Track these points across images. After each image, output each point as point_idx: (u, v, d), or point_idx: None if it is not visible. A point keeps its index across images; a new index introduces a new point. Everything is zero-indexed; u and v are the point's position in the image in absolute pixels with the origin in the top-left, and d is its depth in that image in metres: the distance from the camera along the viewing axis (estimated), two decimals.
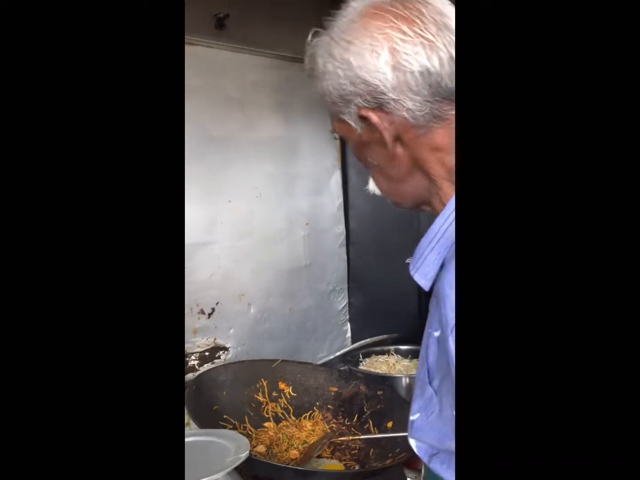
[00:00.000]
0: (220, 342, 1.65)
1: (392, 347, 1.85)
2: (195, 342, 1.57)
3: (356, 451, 1.30)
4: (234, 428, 1.27)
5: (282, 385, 1.44)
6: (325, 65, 0.65)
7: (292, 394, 1.45)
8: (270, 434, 1.31)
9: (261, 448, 1.24)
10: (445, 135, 0.63)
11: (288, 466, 1.11)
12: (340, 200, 2.06)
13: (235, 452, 0.91)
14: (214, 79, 1.60)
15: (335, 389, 1.48)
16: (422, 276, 0.67)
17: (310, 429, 1.36)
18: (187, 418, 1.14)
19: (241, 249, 1.70)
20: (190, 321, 1.55)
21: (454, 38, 0.60)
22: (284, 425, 1.36)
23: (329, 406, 1.45)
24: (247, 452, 0.91)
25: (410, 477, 1.28)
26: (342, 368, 1.73)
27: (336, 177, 2.04)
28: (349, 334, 2.10)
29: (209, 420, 1.20)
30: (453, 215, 0.62)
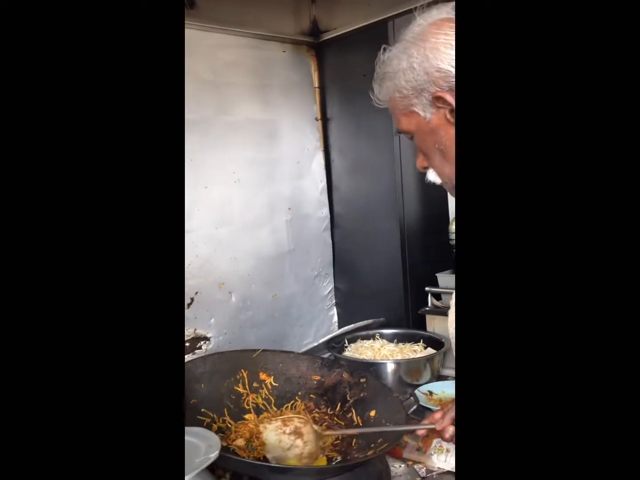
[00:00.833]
0: (201, 332, 1.62)
1: (377, 332, 1.82)
2: None
3: (338, 441, 1.28)
4: (212, 422, 1.24)
5: (263, 376, 1.41)
6: (400, 64, 0.80)
7: (274, 384, 1.42)
8: (251, 426, 1.28)
9: (240, 442, 1.21)
10: None
11: (263, 463, 1.08)
12: (324, 183, 2.02)
13: (205, 451, 0.88)
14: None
15: (317, 378, 1.45)
16: None
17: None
18: None
19: (220, 237, 1.66)
20: None
21: None
22: (265, 417, 1.33)
23: (311, 395, 1.41)
24: (217, 452, 0.88)
25: (395, 467, 1.26)
26: (327, 355, 1.71)
27: (318, 160, 2.00)
28: (335, 319, 2.07)
29: (186, 415, 1.17)
30: None
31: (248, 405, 1.36)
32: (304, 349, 1.85)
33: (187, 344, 1.57)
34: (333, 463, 1.18)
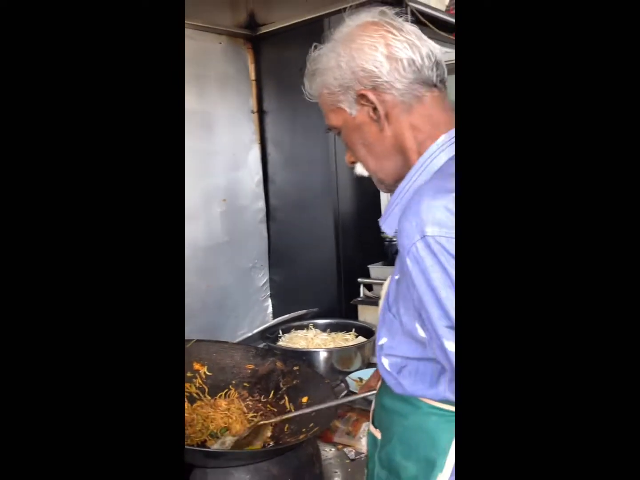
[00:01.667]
0: None
1: (310, 322, 1.87)
2: None
3: (271, 428, 1.31)
4: None
5: (196, 366, 1.42)
6: (329, 62, 0.84)
7: (208, 373, 1.43)
8: (185, 414, 1.29)
9: None
10: (420, 115, 0.83)
11: (197, 448, 1.10)
12: (260, 175, 2.03)
13: None
14: None
15: (251, 367, 1.47)
16: (388, 226, 0.87)
17: (225, 408, 1.35)
18: None
19: None
20: None
21: (427, 44, 0.83)
22: (198, 406, 1.34)
23: (245, 384, 1.44)
24: None
25: (326, 450, 1.31)
26: (261, 345, 1.74)
27: (255, 153, 2.01)
28: (270, 310, 2.10)
29: None
30: (414, 178, 0.82)
31: None
32: (238, 340, 1.87)
33: None
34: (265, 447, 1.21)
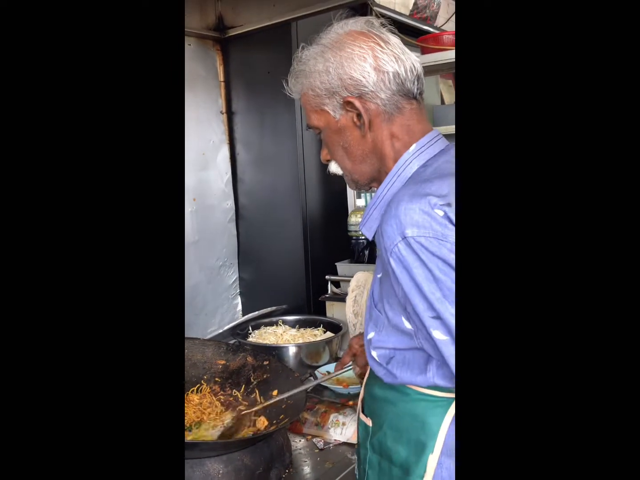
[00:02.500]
0: None
1: (280, 318, 1.91)
2: None
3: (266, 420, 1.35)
4: None
5: None
6: (317, 66, 0.88)
7: None
8: None
9: None
10: (400, 125, 0.89)
11: None
12: (229, 175, 2.07)
13: None
14: None
15: (222, 362, 1.51)
16: (367, 229, 0.92)
17: (197, 402, 1.39)
18: None
19: None
20: None
21: (410, 58, 0.88)
22: None
23: (216, 379, 1.48)
24: None
25: (295, 441, 1.36)
26: (232, 342, 1.77)
27: (224, 152, 2.04)
28: (239, 308, 2.14)
29: None
30: (390, 184, 0.88)
31: None
32: (208, 337, 1.90)
33: None
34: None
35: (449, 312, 0.74)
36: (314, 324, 1.89)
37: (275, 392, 1.39)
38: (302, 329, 1.88)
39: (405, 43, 1.88)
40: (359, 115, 0.87)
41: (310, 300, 1.98)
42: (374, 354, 0.91)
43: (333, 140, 0.92)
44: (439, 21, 2.65)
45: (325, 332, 1.84)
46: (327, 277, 1.95)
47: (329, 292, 1.96)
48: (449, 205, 0.76)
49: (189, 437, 1.25)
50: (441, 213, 0.75)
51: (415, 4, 2.48)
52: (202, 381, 1.47)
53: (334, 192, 2.04)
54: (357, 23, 0.89)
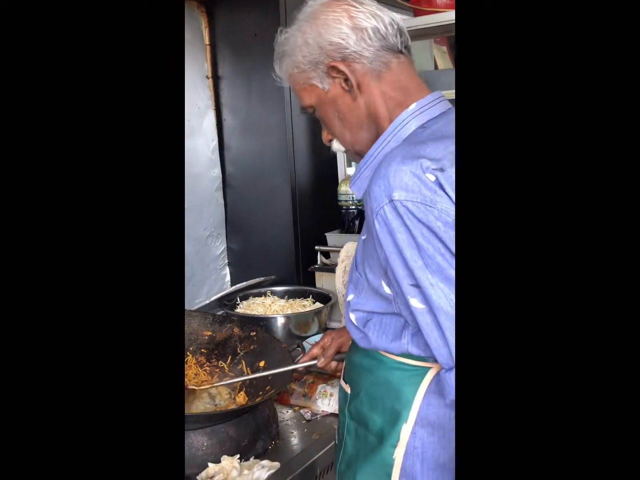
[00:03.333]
0: None
1: (268, 289, 1.88)
2: None
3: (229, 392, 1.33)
4: None
5: None
6: (296, 41, 0.86)
7: None
8: None
9: None
10: (389, 82, 0.85)
11: None
12: (215, 142, 2.01)
13: None
14: None
15: (209, 333, 1.48)
16: (357, 188, 0.89)
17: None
18: None
19: None
20: None
21: (388, 13, 0.86)
22: None
23: (202, 350, 1.45)
24: None
25: (283, 412, 1.34)
26: (219, 313, 1.74)
27: (210, 119, 1.98)
28: (228, 278, 2.10)
29: None
30: (384, 143, 0.85)
31: None
32: (195, 308, 1.87)
33: None
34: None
35: (429, 282, 0.72)
36: (303, 295, 1.86)
37: (262, 364, 1.37)
38: (291, 300, 1.85)
39: (397, 5, 1.83)
40: (346, 79, 0.85)
41: (300, 271, 1.95)
42: (352, 316, 0.90)
43: (328, 113, 0.89)
44: None
45: (314, 303, 1.82)
46: (316, 247, 1.92)
47: (319, 262, 1.93)
48: (441, 170, 0.72)
49: None
50: (432, 178, 0.72)
51: None
52: (188, 352, 1.44)
53: (324, 160, 1.99)
54: None
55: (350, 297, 0.90)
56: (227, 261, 2.10)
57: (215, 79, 1.98)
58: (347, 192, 1.89)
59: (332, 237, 1.91)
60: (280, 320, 1.66)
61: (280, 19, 1.77)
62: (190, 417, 1.13)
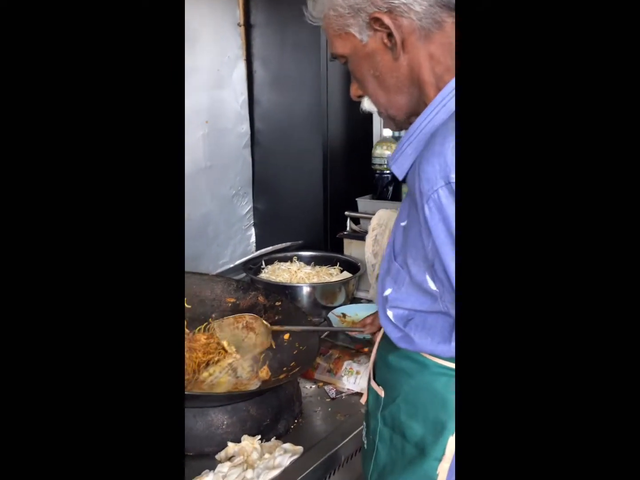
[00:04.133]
0: None
1: (294, 254, 1.81)
2: None
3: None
4: None
5: None
6: None
7: (187, 305, 1.37)
8: None
9: None
10: (440, 44, 0.73)
11: None
12: (245, 96, 1.90)
13: None
14: None
15: (232, 300, 1.42)
16: (398, 167, 0.77)
17: (204, 342, 1.31)
18: None
19: None
20: None
21: None
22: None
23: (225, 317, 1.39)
24: None
25: (306, 387, 1.29)
26: (242, 276, 1.68)
27: (240, 70, 1.86)
28: (253, 239, 2.03)
29: None
30: (431, 115, 0.73)
31: None
32: (219, 269, 1.81)
33: None
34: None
35: None
36: (330, 262, 1.78)
37: (287, 336, 1.31)
38: (317, 267, 1.78)
39: None
40: (389, 34, 0.72)
41: (328, 237, 1.86)
42: (389, 313, 0.80)
43: (362, 69, 0.78)
44: None
45: (342, 272, 1.74)
46: (346, 213, 1.82)
47: (348, 229, 1.83)
48: None
49: (195, 380, 1.18)
50: None
51: None
52: (210, 319, 1.38)
53: (358, 119, 1.86)
54: None
55: (388, 291, 0.80)
56: (252, 222, 2.02)
57: (248, 27, 1.85)
58: (382, 155, 1.78)
59: (363, 203, 1.81)
60: (306, 290, 1.59)
61: None
62: (209, 397, 1.08)
